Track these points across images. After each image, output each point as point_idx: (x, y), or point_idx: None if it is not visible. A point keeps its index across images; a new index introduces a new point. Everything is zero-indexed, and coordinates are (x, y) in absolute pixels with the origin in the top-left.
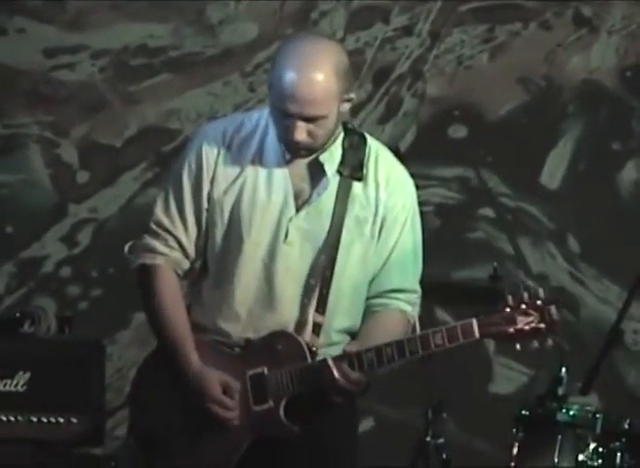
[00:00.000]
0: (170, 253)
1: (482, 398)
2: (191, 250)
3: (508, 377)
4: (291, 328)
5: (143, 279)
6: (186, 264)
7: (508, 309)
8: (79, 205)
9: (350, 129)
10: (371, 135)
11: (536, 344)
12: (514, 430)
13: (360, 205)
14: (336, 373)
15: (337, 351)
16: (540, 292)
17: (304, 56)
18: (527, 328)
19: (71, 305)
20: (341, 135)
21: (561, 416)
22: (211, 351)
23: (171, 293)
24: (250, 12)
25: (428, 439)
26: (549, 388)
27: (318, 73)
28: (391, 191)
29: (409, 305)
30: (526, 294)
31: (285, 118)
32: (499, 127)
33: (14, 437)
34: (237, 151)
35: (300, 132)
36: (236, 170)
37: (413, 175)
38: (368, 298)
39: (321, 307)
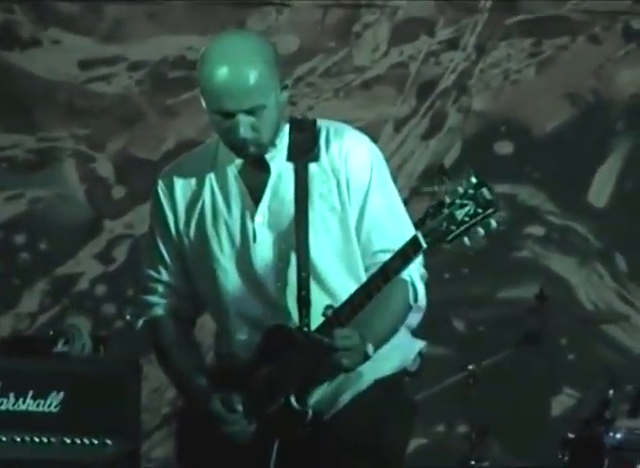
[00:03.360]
0: (164, 300)
1: (528, 420)
2: (185, 289)
3: (555, 400)
4: (282, 317)
5: (149, 335)
6: (185, 305)
7: (446, 209)
8: (115, 221)
9: (296, 118)
10: (414, 150)
11: (482, 232)
12: (560, 454)
13: (320, 180)
14: (317, 338)
15: None
16: (472, 179)
17: (228, 50)
18: (467, 218)
19: (107, 324)
20: (286, 127)
21: (608, 440)
22: (225, 376)
23: (171, 339)
24: (291, 23)
25: (472, 463)
26: (597, 411)
27: (246, 63)
28: (346, 157)
29: None
30: (460, 188)
31: (225, 119)
32: (545, 143)
33: (46, 459)
34: (191, 177)
35: (245, 128)
36: (194, 194)
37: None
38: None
39: (304, 289)
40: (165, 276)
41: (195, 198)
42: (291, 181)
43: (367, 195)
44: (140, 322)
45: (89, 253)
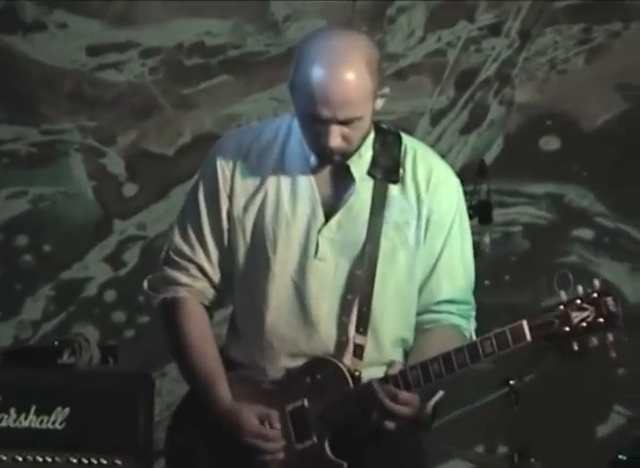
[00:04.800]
0: (193, 283)
1: (575, 440)
2: (216, 277)
3: (604, 418)
4: (329, 352)
5: (166, 315)
6: (213, 294)
7: (561, 306)
8: (126, 221)
9: (382, 127)
10: (452, 146)
11: (594, 342)
12: None
13: (400, 209)
14: (381, 395)
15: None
16: (596, 283)
17: (332, 52)
18: (583, 324)
19: (116, 333)
20: (372, 135)
21: None
22: (245, 388)
23: (197, 329)
24: (318, 7)
25: None
26: None
27: (350, 71)
28: (433, 191)
29: (463, 319)
30: (580, 287)
31: (316, 124)
32: (595, 138)
33: None
34: (256, 162)
35: (335, 137)
36: (256, 182)
37: (499, 192)
38: (417, 314)
39: (362, 326)
40: (200, 257)
41: (258, 186)
42: (368, 200)
43: (447, 239)
44: (159, 298)
45: (97, 257)
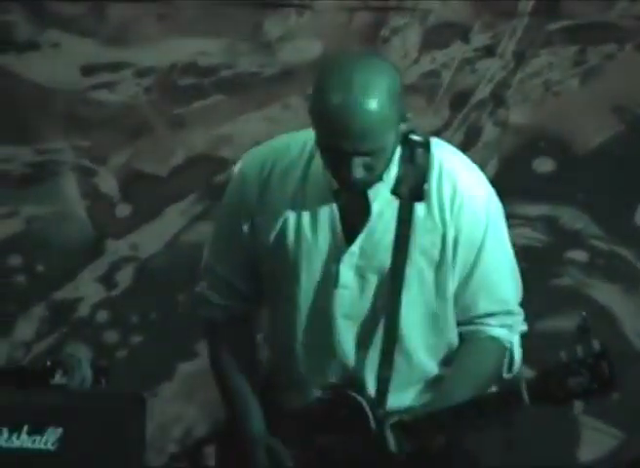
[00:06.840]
0: (226, 302)
1: (564, 464)
2: (250, 293)
3: (595, 440)
4: (356, 383)
5: (205, 333)
6: (248, 310)
7: (558, 370)
8: (119, 241)
9: (411, 139)
10: None
11: (588, 402)
12: None
13: (424, 229)
14: (392, 445)
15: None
16: (595, 344)
17: (353, 81)
18: (579, 390)
19: (109, 354)
20: (398, 151)
21: None
22: (277, 416)
23: (228, 354)
24: (313, 27)
25: None
26: None
27: (372, 101)
28: (458, 209)
29: (503, 329)
30: (580, 348)
31: (335, 155)
32: (590, 161)
33: None
34: (278, 183)
35: (357, 169)
36: (277, 206)
37: None
38: (457, 324)
39: (388, 360)
40: (230, 274)
41: (279, 209)
42: (392, 223)
43: (478, 254)
44: (200, 314)
45: (90, 277)
